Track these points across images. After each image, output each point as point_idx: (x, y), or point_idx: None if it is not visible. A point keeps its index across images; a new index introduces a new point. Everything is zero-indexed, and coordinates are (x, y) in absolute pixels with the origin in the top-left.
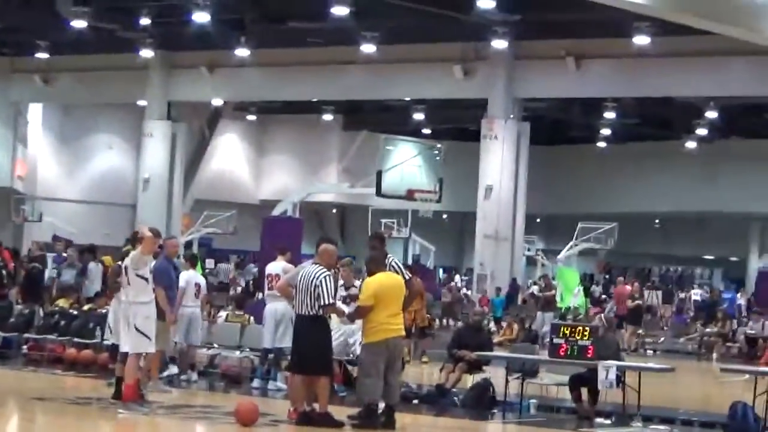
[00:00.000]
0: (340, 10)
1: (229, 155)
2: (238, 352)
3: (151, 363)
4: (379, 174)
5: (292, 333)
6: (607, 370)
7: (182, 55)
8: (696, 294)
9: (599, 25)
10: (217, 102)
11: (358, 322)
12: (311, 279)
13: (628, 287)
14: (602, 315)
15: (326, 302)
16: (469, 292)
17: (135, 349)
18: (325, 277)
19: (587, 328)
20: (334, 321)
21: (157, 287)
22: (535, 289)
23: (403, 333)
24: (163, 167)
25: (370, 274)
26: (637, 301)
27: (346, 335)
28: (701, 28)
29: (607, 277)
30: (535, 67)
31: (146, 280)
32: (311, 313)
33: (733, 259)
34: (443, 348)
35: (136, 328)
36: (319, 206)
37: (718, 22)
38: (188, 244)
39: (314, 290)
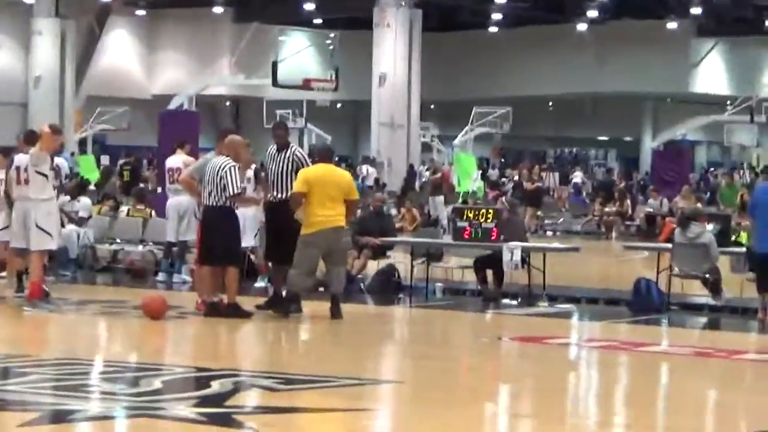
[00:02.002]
0: None
1: (120, 51)
2: (141, 247)
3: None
4: (275, 64)
5: (201, 224)
6: (511, 252)
7: None
8: (576, 177)
9: None
10: None
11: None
12: (217, 170)
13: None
14: (504, 198)
15: (232, 192)
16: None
17: (38, 246)
18: (230, 167)
19: (491, 211)
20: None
21: None
22: (426, 174)
23: (341, 223)
24: (54, 65)
25: (314, 164)
26: (536, 183)
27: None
28: None
29: (503, 161)
30: None
31: (46, 177)
32: (219, 204)
33: (627, 139)
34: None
35: (38, 226)
36: (213, 99)
37: None
38: (82, 141)
39: (220, 181)
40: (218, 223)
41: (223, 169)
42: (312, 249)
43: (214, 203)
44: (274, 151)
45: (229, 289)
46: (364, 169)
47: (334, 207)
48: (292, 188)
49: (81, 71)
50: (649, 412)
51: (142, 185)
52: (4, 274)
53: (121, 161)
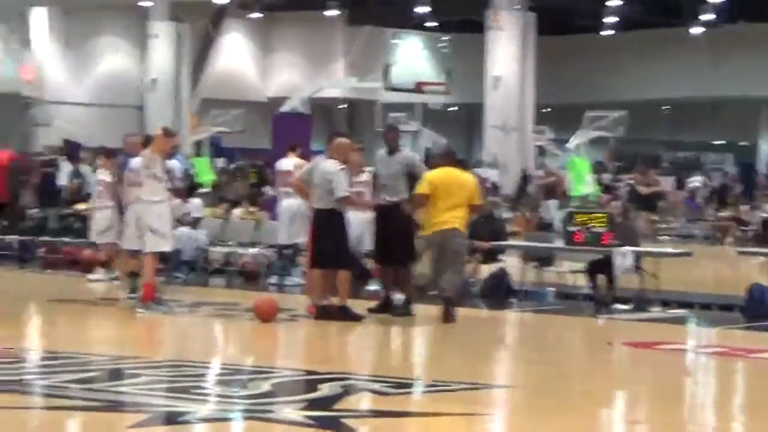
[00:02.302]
0: None
1: (235, 54)
2: (253, 249)
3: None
4: (387, 67)
5: (311, 227)
6: (623, 256)
7: None
8: (695, 181)
9: None
10: (220, 0)
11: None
12: (325, 173)
13: None
14: (618, 202)
15: (339, 195)
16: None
17: (152, 248)
18: (338, 170)
19: (602, 215)
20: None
21: None
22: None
23: (457, 226)
24: (170, 68)
25: (434, 167)
26: (652, 188)
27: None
28: None
29: (617, 164)
30: None
31: (158, 179)
32: (328, 207)
33: (743, 143)
34: None
35: (151, 228)
36: (326, 102)
37: None
38: (198, 144)
39: (328, 184)
40: (327, 227)
41: (331, 172)
42: (431, 250)
43: (324, 206)
44: (385, 155)
45: (340, 292)
46: (485, 172)
47: (455, 210)
48: (403, 191)
49: (196, 74)
50: (766, 419)
51: (268, 188)
52: (116, 274)
53: (241, 163)
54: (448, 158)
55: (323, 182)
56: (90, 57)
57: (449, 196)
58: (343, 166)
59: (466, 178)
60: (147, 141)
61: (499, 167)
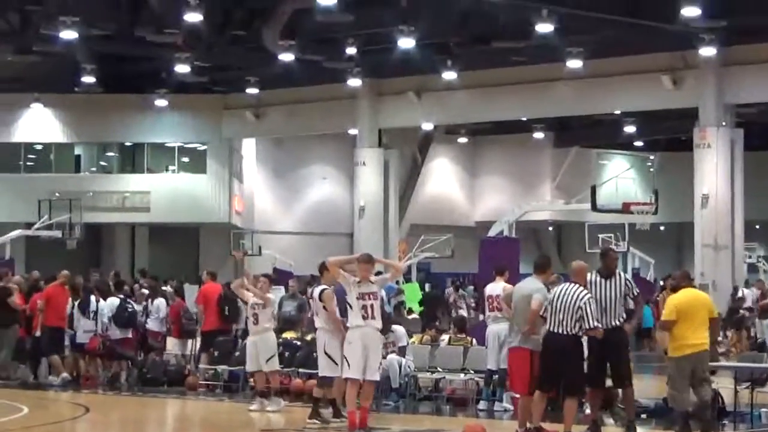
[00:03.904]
0: (544, 28)
1: (443, 179)
2: (462, 375)
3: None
4: (594, 189)
5: (542, 350)
6: None
7: (390, 82)
8: None
9: None
10: (427, 126)
11: None
12: (574, 299)
13: None
14: None
15: (590, 326)
16: None
17: (347, 375)
18: (589, 299)
19: None
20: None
21: None
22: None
23: (706, 347)
24: (378, 194)
25: (675, 289)
26: None
27: None
28: None
29: None
30: (745, 72)
31: (350, 306)
32: (570, 333)
33: None
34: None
35: (344, 356)
36: (535, 225)
37: None
38: (407, 270)
39: (576, 311)
40: (568, 352)
41: (582, 299)
42: (682, 371)
43: (566, 331)
44: (598, 278)
45: (566, 419)
46: (741, 291)
47: (701, 330)
48: (622, 314)
49: (404, 199)
50: None
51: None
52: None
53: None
54: (687, 279)
55: (570, 307)
56: (299, 185)
57: (693, 317)
58: (591, 295)
59: (704, 296)
60: (322, 268)
61: (709, 286)
